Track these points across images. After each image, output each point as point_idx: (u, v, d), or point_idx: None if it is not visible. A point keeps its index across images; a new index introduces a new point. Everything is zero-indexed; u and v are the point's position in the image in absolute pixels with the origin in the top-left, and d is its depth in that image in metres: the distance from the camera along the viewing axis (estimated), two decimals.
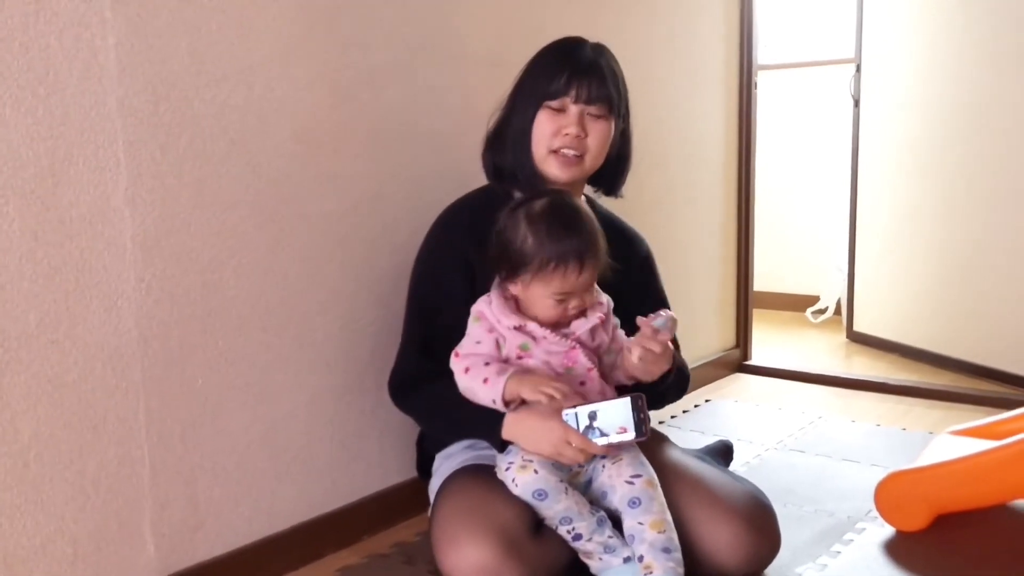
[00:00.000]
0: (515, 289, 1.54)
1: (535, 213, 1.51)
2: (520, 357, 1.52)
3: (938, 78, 3.26)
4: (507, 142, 1.67)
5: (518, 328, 1.52)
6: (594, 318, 1.55)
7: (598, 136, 1.64)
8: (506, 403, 1.48)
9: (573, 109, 1.62)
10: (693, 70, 3.03)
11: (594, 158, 1.66)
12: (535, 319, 1.53)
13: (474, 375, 1.50)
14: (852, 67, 3.67)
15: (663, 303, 1.81)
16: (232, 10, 1.66)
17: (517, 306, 1.55)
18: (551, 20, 2.35)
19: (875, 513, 1.93)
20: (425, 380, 1.62)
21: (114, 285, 1.53)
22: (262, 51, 1.71)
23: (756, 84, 3.33)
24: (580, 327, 1.54)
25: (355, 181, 1.91)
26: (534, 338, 1.52)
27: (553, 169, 1.64)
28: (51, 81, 1.42)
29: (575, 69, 1.62)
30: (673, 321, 1.50)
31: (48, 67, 1.42)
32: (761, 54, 3.53)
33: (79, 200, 1.47)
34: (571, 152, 1.62)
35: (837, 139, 4.12)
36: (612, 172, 1.73)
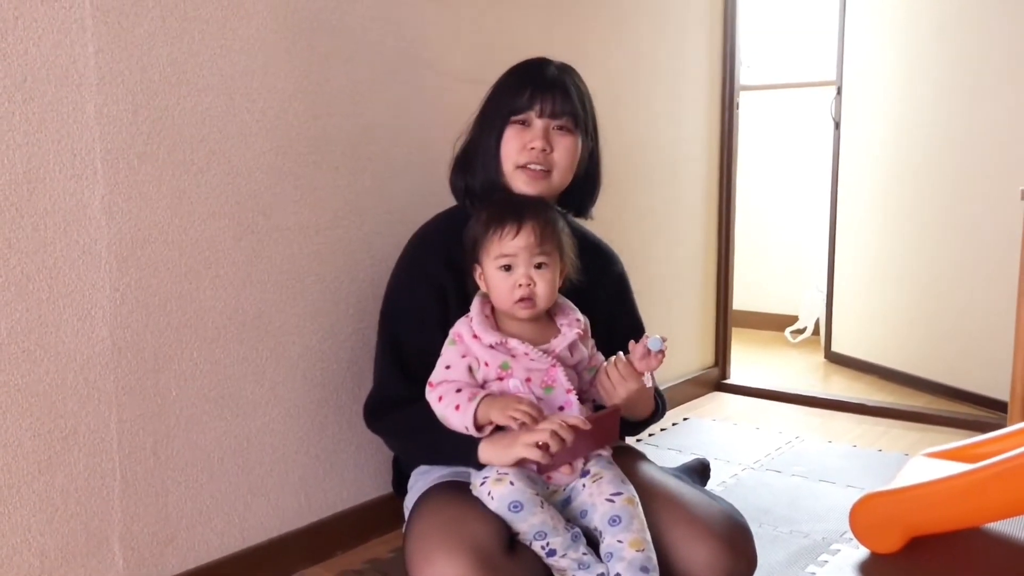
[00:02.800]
0: (482, 282, 1.54)
1: (487, 202, 1.59)
2: (500, 378, 1.51)
3: (918, 101, 3.29)
4: (476, 162, 1.68)
5: (497, 346, 1.51)
6: (572, 333, 1.55)
7: (564, 151, 1.64)
8: (479, 428, 1.47)
9: (538, 123, 1.63)
10: (676, 90, 3.05)
11: (562, 173, 1.66)
12: (503, 313, 1.53)
13: (447, 403, 1.49)
14: (833, 89, 3.71)
15: (637, 322, 1.81)
16: (214, 20, 1.66)
17: (497, 325, 1.55)
18: (532, 39, 2.36)
19: (850, 535, 1.93)
20: (400, 406, 1.61)
21: (88, 294, 1.51)
22: (243, 62, 1.71)
23: (738, 105, 3.35)
24: (559, 344, 1.54)
25: (334, 194, 1.90)
26: (514, 355, 1.51)
27: (520, 184, 1.64)
28: (28, 87, 1.41)
29: (539, 84, 1.63)
30: (666, 342, 1.51)
31: (25, 73, 1.41)
32: (743, 75, 3.55)
33: (55, 208, 1.46)
34: (538, 167, 1.63)
35: (817, 161, 4.15)
36: (581, 192, 1.73)
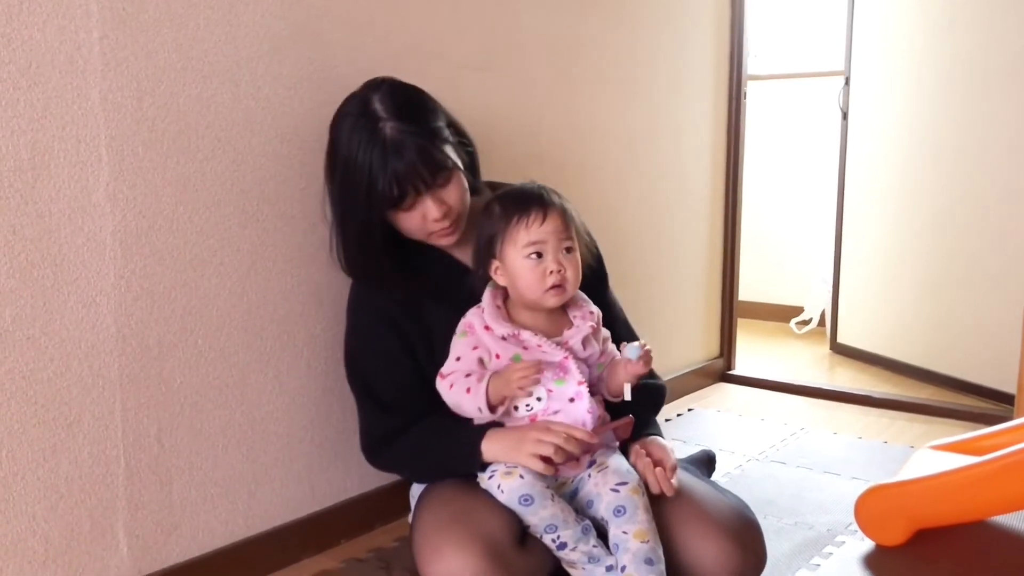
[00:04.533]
0: (501, 277, 1.52)
1: (497, 195, 1.57)
2: None
3: (926, 92, 3.27)
4: (376, 252, 1.61)
5: (509, 338, 1.50)
6: (585, 327, 1.54)
7: (455, 194, 1.60)
8: (492, 408, 1.47)
9: (424, 199, 1.57)
10: (682, 79, 3.03)
11: (464, 210, 1.63)
12: (526, 306, 1.52)
13: (458, 389, 1.49)
14: (841, 80, 3.69)
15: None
16: (220, 6, 1.64)
17: (509, 316, 1.54)
18: (536, 28, 2.35)
19: (855, 527, 1.93)
20: (393, 440, 1.62)
21: (93, 281, 1.51)
22: (249, 48, 1.70)
23: (745, 94, 3.33)
24: (572, 336, 1.53)
25: None
26: (526, 347, 1.50)
27: (440, 242, 1.63)
28: (33, 73, 1.40)
29: (399, 160, 1.53)
30: (647, 352, 1.48)
31: (30, 59, 1.40)
32: (751, 65, 3.53)
33: (59, 195, 1.45)
34: (446, 225, 1.60)
35: (825, 151, 4.13)
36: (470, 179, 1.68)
